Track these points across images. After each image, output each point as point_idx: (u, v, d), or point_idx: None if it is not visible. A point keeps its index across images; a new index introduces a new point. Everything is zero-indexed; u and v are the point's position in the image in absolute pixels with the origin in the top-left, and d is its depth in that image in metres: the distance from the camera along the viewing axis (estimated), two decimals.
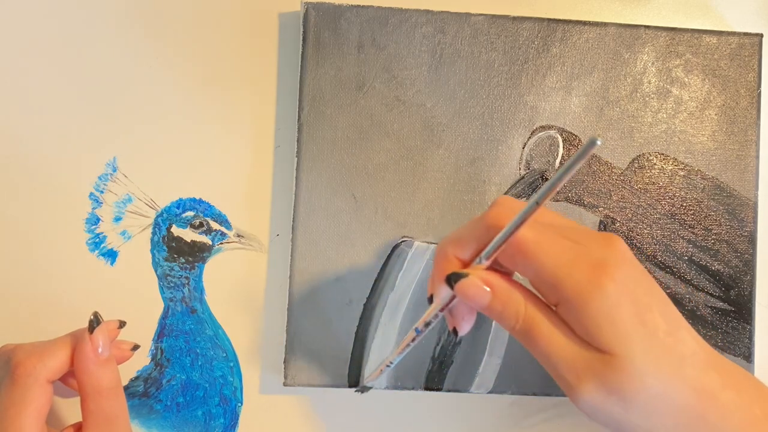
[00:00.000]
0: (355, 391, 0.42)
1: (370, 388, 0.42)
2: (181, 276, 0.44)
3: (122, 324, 0.39)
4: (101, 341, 0.36)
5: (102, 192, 0.44)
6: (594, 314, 0.31)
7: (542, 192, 0.31)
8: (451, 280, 0.33)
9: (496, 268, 0.34)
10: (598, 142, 0.28)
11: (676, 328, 0.33)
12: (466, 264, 0.34)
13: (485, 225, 0.33)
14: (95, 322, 0.36)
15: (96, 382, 0.36)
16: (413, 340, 0.37)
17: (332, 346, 0.43)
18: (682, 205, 0.44)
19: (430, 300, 0.35)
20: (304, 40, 0.43)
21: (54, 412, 0.42)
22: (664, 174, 0.44)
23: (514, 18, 0.44)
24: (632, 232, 0.44)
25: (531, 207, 0.31)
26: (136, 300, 0.43)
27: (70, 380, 0.40)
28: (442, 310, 0.35)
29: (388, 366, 0.39)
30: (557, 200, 0.44)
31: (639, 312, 0.32)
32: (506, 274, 0.34)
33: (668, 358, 0.32)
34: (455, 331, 0.36)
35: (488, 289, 0.33)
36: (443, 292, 0.34)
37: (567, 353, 0.32)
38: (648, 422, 0.33)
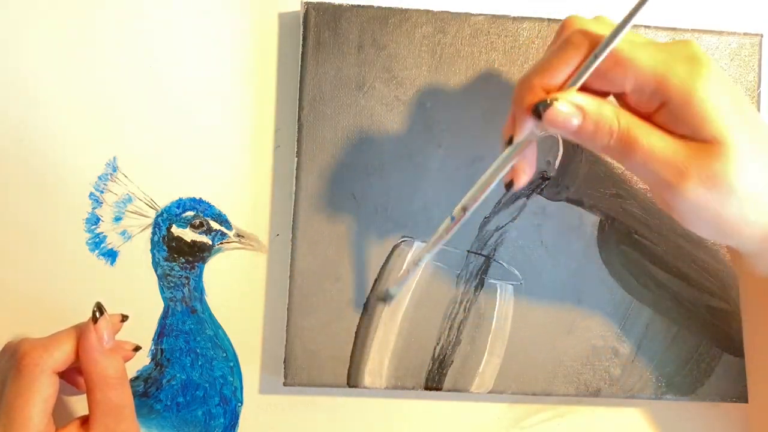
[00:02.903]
0: (378, 300, 0.41)
1: (393, 296, 0.41)
2: (181, 276, 0.44)
3: (125, 317, 0.40)
4: (105, 331, 0.37)
5: (102, 192, 0.44)
6: (700, 103, 0.32)
7: (633, 9, 0.32)
8: (539, 108, 0.33)
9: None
10: None
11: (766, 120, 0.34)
12: (552, 92, 0.34)
13: (573, 46, 0.33)
14: (98, 312, 0.37)
15: (102, 371, 0.36)
16: (447, 230, 0.37)
17: (332, 346, 0.43)
18: None
19: (509, 142, 0.35)
20: (304, 40, 0.43)
21: (60, 408, 0.42)
22: None
23: (514, 18, 0.44)
24: (633, 232, 0.44)
25: (625, 23, 0.32)
26: (136, 300, 0.43)
27: (75, 377, 0.40)
28: (519, 152, 0.35)
29: (416, 264, 0.39)
30: (557, 200, 0.44)
31: (736, 102, 0.33)
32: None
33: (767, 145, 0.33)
34: (510, 184, 0.36)
35: (578, 113, 0.33)
36: (527, 127, 0.34)
37: (668, 152, 0.33)
38: (751, 212, 0.34)
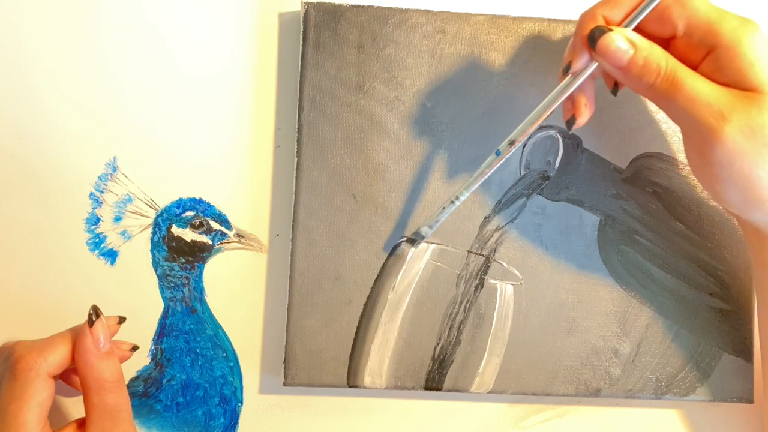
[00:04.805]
0: (406, 240, 0.41)
1: (424, 237, 0.41)
2: (181, 276, 0.44)
3: (122, 319, 0.39)
4: (101, 334, 0.36)
5: (102, 192, 0.44)
6: (747, 52, 0.34)
7: None
8: (595, 34, 0.35)
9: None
10: None
11: None
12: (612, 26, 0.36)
13: None
14: (94, 315, 0.37)
15: (98, 375, 0.36)
16: (491, 166, 0.38)
17: (332, 346, 0.43)
18: (681, 205, 0.44)
19: (566, 70, 0.37)
20: (304, 40, 0.43)
21: (57, 411, 0.42)
22: (664, 174, 0.44)
23: (514, 18, 0.44)
24: (633, 232, 0.44)
25: None
26: (136, 300, 0.43)
27: (72, 378, 0.40)
28: (570, 86, 0.36)
29: (452, 202, 0.39)
30: (557, 200, 0.44)
31: None
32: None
33: None
34: (571, 121, 0.38)
35: (630, 47, 0.35)
36: (584, 58, 0.36)
37: (711, 96, 0.34)
38: None
